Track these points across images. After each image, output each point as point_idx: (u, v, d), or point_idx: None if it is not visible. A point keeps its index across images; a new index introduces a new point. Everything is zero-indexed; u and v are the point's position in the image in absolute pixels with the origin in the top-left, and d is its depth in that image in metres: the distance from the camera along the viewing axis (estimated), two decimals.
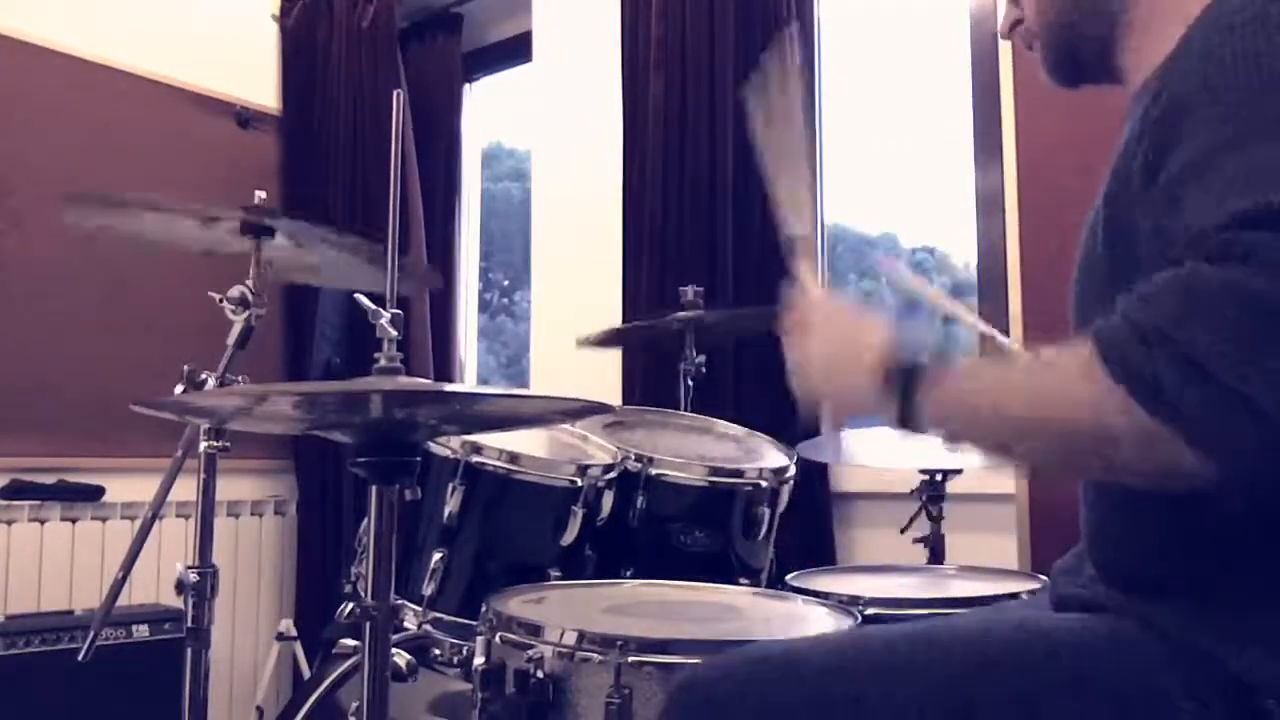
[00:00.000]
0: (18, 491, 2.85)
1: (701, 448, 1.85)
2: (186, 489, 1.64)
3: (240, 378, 1.63)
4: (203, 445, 1.61)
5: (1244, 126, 0.78)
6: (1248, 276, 0.73)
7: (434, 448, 1.56)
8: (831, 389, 1.01)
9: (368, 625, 1.06)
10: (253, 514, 3.34)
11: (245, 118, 3.47)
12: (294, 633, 3.10)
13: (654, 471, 1.67)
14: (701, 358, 2.21)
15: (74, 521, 2.94)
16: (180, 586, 1.58)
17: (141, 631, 2.64)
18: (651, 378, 2.70)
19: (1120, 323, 0.78)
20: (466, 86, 3.72)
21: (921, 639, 0.94)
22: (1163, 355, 0.74)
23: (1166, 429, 0.74)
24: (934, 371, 0.90)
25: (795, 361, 1.03)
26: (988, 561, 1.89)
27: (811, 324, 1.03)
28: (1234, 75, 0.80)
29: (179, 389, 1.58)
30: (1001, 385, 0.88)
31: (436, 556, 1.56)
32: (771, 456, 1.85)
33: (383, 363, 1.08)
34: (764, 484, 1.73)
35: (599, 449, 1.72)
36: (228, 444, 1.62)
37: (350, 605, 1.56)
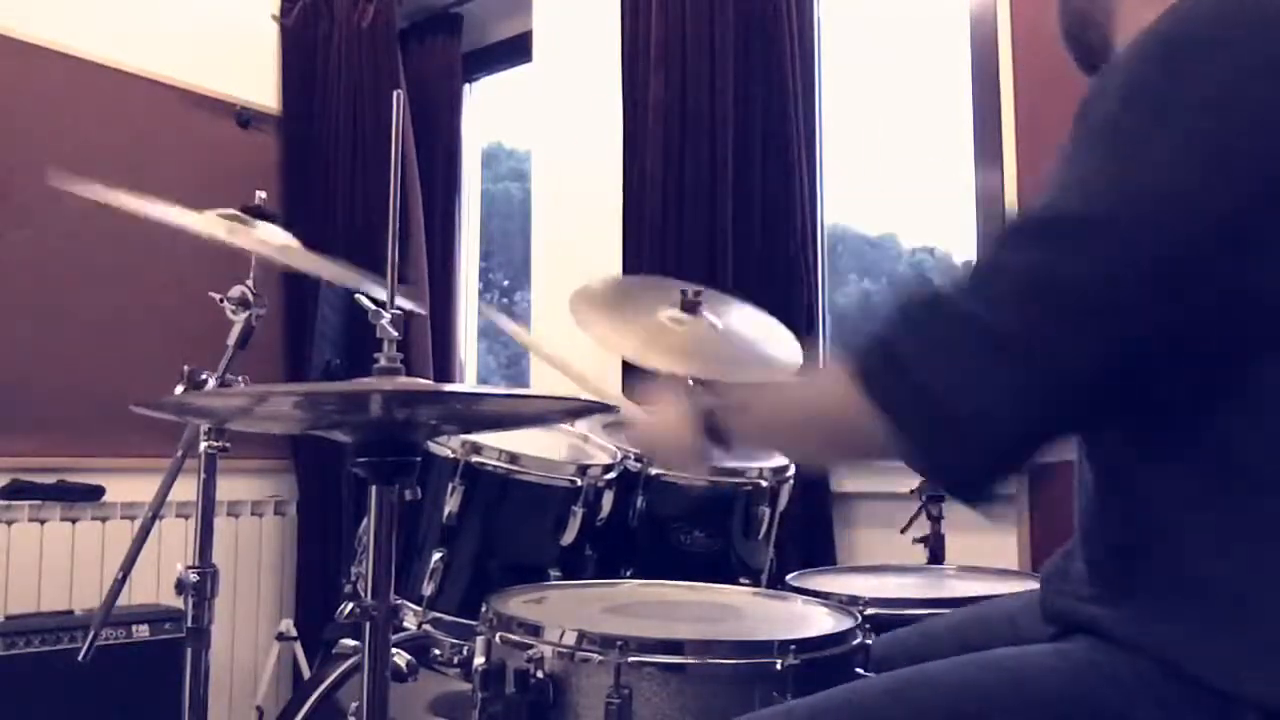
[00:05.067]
0: (18, 491, 2.85)
1: None
2: (186, 489, 1.64)
3: (240, 378, 1.63)
4: (203, 445, 1.61)
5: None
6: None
7: (434, 448, 1.56)
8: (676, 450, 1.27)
9: (368, 625, 1.06)
10: (253, 514, 3.35)
11: (245, 118, 3.47)
12: (294, 633, 3.10)
13: (654, 471, 1.68)
14: None
15: (74, 521, 2.94)
16: (180, 586, 1.58)
17: (141, 631, 2.64)
18: (651, 378, 2.69)
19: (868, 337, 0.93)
20: (466, 86, 3.72)
21: (900, 696, 0.94)
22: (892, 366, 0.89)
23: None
24: (732, 406, 1.14)
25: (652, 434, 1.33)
26: (988, 561, 1.89)
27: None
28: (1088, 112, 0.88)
29: (179, 389, 1.58)
30: (780, 402, 1.12)
31: (436, 556, 1.56)
32: (771, 456, 1.85)
33: (383, 363, 1.08)
34: (764, 484, 1.73)
35: (599, 449, 1.72)
36: (228, 444, 1.61)
37: (350, 605, 1.56)
